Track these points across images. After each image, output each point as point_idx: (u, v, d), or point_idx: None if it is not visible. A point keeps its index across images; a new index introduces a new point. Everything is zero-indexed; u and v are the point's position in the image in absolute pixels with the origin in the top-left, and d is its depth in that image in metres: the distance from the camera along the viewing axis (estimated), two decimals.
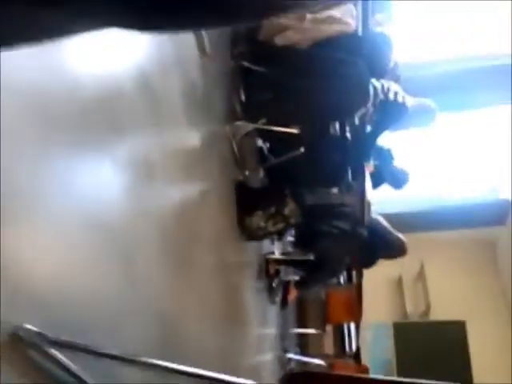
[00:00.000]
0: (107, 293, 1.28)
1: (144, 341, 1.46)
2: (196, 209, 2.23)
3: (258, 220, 3.18)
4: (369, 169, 4.17)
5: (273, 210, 3.31)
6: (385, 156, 4.34)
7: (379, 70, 3.23)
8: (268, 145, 3.39)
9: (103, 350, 1.05)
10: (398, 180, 4.20)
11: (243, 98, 3.10)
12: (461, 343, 6.08)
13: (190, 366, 1.12)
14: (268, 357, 3.83)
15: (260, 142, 3.36)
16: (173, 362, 1.12)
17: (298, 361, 4.68)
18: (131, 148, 1.53)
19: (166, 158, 1.86)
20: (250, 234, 3.17)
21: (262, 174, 3.41)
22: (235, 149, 2.95)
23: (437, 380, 1.21)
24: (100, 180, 1.30)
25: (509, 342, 6.08)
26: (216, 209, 2.60)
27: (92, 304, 1.19)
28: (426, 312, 6.55)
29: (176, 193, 1.97)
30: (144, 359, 1.12)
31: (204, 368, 1.12)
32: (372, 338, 6.17)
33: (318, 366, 4.82)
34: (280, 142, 3.40)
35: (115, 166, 1.40)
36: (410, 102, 3.50)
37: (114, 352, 1.07)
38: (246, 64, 2.98)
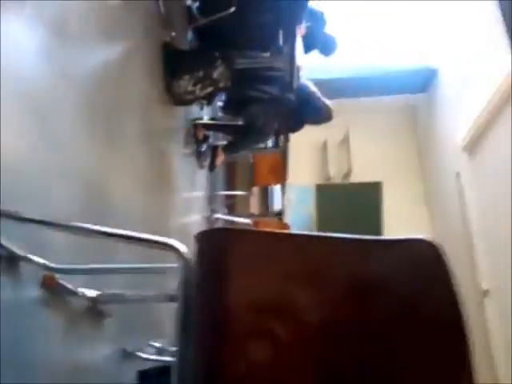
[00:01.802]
0: (23, 154, 1.24)
1: (68, 205, 1.46)
2: (119, 71, 2.12)
3: (185, 84, 3.09)
4: (300, 32, 4.07)
5: (201, 73, 3.21)
6: (317, 18, 4.24)
7: None
8: (197, 3, 3.18)
9: (24, 215, 1.04)
10: (328, 46, 4.17)
11: None
12: (376, 202, 6.58)
13: (116, 228, 1.14)
14: (196, 218, 3.99)
15: (189, 0, 3.15)
16: (98, 225, 1.13)
17: (225, 220, 4.92)
18: (41, 3, 1.40)
19: (83, 15, 1.71)
20: (178, 99, 3.11)
21: (190, 35, 3.25)
22: (161, 6, 2.76)
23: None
24: (7, 38, 1.20)
25: (419, 200, 6.71)
26: (141, 72, 2.49)
27: (8, 167, 1.16)
28: (348, 175, 6.94)
29: (96, 54, 1.86)
30: (67, 223, 1.13)
31: (131, 230, 1.14)
32: (295, 198, 6.53)
33: (245, 224, 5.10)
34: (210, 0, 3.20)
35: (23, 24, 1.29)
36: None
37: (36, 217, 1.06)
38: None
